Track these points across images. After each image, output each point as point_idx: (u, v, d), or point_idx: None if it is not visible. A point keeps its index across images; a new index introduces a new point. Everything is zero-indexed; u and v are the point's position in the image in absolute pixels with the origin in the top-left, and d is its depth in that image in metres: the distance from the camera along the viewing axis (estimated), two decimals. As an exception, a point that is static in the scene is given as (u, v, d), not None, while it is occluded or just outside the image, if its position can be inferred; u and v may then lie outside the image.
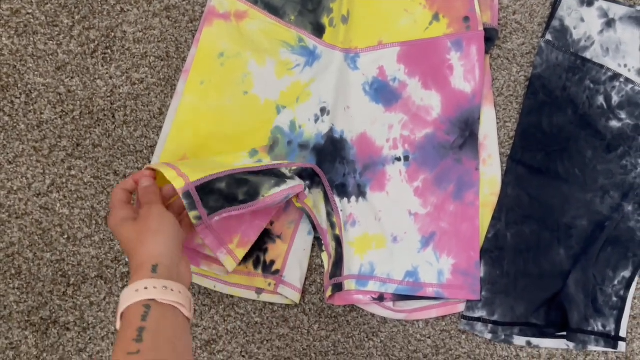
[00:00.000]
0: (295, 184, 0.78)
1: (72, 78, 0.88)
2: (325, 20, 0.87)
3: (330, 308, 0.84)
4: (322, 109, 0.85)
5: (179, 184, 0.71)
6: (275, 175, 0.79)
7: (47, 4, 0.89)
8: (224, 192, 0.73)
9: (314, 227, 0.84)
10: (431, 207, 0.83)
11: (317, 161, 0.83)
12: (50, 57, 0.88)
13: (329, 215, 0.83)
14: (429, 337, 0.84)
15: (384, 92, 0.86)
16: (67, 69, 0.88)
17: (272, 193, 0.76)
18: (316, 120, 0.85)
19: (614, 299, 0.82)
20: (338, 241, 0.82)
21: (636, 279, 0.82)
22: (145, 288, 0.60)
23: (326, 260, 0.84)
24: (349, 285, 0.81)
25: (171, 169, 0.72)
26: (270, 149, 0.84)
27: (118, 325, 0.60)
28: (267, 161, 0.82)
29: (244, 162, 0.81)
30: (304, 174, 0.81)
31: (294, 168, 0.81)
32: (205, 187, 0.72)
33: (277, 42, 0.87)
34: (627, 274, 0.82)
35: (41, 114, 0.87)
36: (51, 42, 0.88)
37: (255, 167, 0.78)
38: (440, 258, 0.82)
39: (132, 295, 0.60)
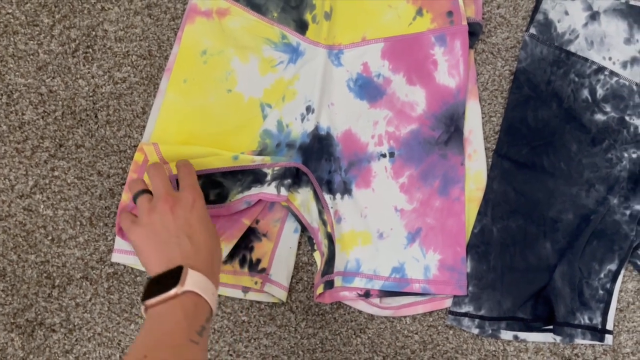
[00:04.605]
0: (258, 191, 0.79)
1: (53, 78, 0.87)
2: (308, 17, 0.87)
3: (317, 305, 0.84)
4: (308, 107, 0.84)
5: None
6: (255, 175, 0.80)
7: (26, 3, 0.88)
8: None
9: (303, 227, 0.83)
10: (417, 203, 0.83)
11: (303, 160, 0.83)
12: (31, 57, 0.87)
13: (320, 213, 0.83)
14: (416, 333, 0.84)
15: (368, 88, 0.85)
16: (48, 68, 0.87)
17: (235, 199, 0.79)
18: (302, 119, 0.84)
19: (600, 292, 0.82)
20: (330, 239, 0.82)
21: (622, 271, 0.83)
22: (213, 294, 0.65)
23: (319, 259, 0.83)
24: (337, 282, 0.81)
25: (156, 154, 0.80)
26: (258, 155, 0.83)
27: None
28: (248, 159, 0.81)
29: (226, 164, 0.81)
30: (287, 173, 0.80)
31: (276, 169, 0.80)
32: None
33: (260, 39, 0.86)
34: (613, 267, 0.82)
35: (23, 114, 0.86)
36: (32, 41, 0.87)
37: (236, 167, 0.79)
38: (427, 254, 0.81)
39: (212, 290, 0.65)
